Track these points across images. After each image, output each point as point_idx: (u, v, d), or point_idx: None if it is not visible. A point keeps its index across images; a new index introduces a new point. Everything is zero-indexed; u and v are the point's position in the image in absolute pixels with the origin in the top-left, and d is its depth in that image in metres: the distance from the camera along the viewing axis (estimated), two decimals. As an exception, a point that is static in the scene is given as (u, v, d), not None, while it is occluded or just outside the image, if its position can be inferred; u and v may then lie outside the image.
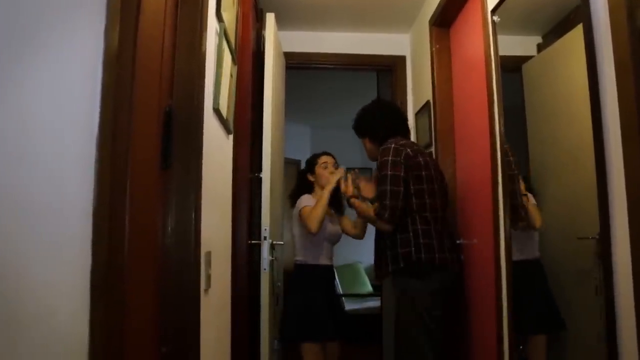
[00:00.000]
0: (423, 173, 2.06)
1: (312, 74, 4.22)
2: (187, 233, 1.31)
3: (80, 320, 0.68)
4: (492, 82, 2.02)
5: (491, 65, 2.02)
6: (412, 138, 3.21)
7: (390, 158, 2.04)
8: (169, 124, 1.28)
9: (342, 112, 6.11)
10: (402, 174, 2.03)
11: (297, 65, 3.26)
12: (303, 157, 6.51)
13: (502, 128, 1.95)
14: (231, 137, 1.96)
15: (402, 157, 2.05)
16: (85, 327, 0.68)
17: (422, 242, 2.00)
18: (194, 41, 1.39)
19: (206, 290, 1.46)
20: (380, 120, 2.26)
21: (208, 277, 1.47)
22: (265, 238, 2.17)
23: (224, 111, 1.75)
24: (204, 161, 1.40)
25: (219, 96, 1.61)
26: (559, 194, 2.65)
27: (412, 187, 2.04)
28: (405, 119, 2.38)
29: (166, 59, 1.28)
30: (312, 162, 2.71)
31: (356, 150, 6.68)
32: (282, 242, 2.57)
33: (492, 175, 2.00)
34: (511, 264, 1.84)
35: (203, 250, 1.40)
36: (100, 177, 0.69)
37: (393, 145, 2.08)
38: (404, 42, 3.38)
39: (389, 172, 2.02)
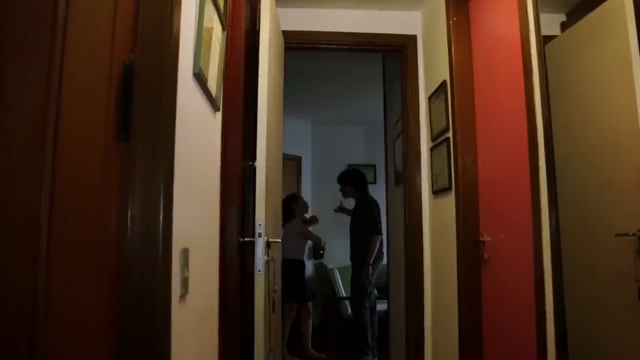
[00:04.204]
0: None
1: (313, 60, 3.95)
2: (154, 224, 1.01)
3: None
4: (530, 56, 1.70)
5: (528, 35, 1.71)
6: (425, 126, 3.00)
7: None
8: (128, 82, 0.99)
9: (343, 106, 5.85)
10: None
11: (296, 45, 2.96)
12: (304, 153, 6.34)
13: (545, 111, 1.65)
14: (219, 115, 1.67)
15: None
16: None
17: None
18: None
19: (182, 297, 1.17)
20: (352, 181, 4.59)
21: (184, 281, 1.18)
22: (259, 235, 1.88)
23: (212, 88, 1.48)
24: (178, 136, 1.11)
25: (200, 59, 1.31)
26: (592, 187, 2.33)
27: None
28: (364, 183, 4.61)
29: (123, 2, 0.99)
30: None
31: (358, 146, 6.43)
32: (279, 240, 2.27)
33: (531, 163, 1.71)
34: (557, 262, 1.54)
35: (177, 246, 1.10)
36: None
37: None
38: (415, 20, 3.08)
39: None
